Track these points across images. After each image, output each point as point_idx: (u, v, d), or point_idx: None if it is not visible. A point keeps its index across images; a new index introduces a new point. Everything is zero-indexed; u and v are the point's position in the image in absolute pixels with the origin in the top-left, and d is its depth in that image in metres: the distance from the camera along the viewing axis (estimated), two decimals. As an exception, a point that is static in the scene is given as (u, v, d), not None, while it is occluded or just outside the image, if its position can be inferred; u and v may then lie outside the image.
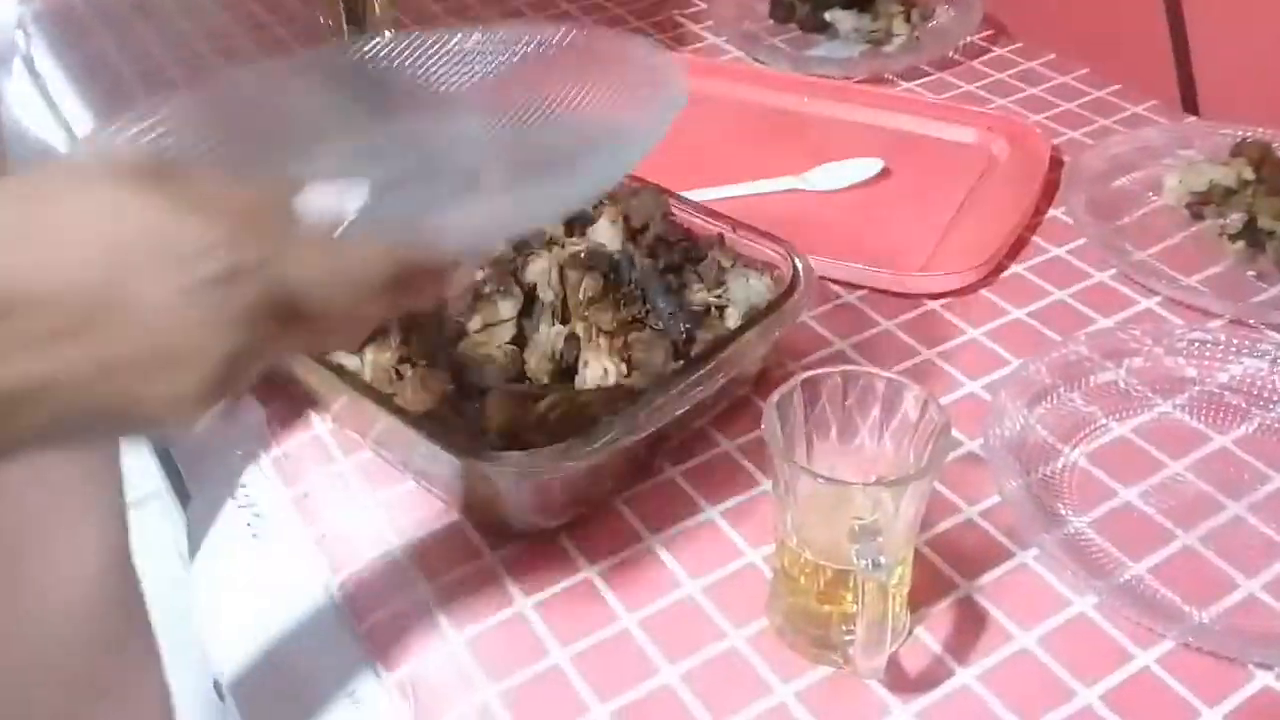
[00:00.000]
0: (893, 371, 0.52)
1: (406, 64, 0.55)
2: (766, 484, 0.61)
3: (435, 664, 0.54)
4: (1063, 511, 0.60)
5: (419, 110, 0.55)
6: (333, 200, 0.38)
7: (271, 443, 0.66)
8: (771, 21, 1.08)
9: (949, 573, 0.56)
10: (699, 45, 1.06)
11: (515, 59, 0.55)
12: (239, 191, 0.36)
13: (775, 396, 0.49)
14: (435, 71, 0.55)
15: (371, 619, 0.56)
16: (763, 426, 0.49)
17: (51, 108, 1.03)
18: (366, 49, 0.56)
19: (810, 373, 0.51)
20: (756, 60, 1.02)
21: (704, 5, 1.12)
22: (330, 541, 0.60)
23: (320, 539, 0.60)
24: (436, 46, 0.56)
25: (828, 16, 1.06)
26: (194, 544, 0.66)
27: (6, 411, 0.33)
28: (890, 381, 0.51)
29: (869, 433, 0.52)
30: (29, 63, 1.10)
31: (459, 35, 0.56)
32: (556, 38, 0.54)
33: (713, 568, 0.57)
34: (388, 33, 0.62)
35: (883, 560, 0.45)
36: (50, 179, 0.35)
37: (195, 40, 1.08)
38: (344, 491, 0.63)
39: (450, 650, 0.54)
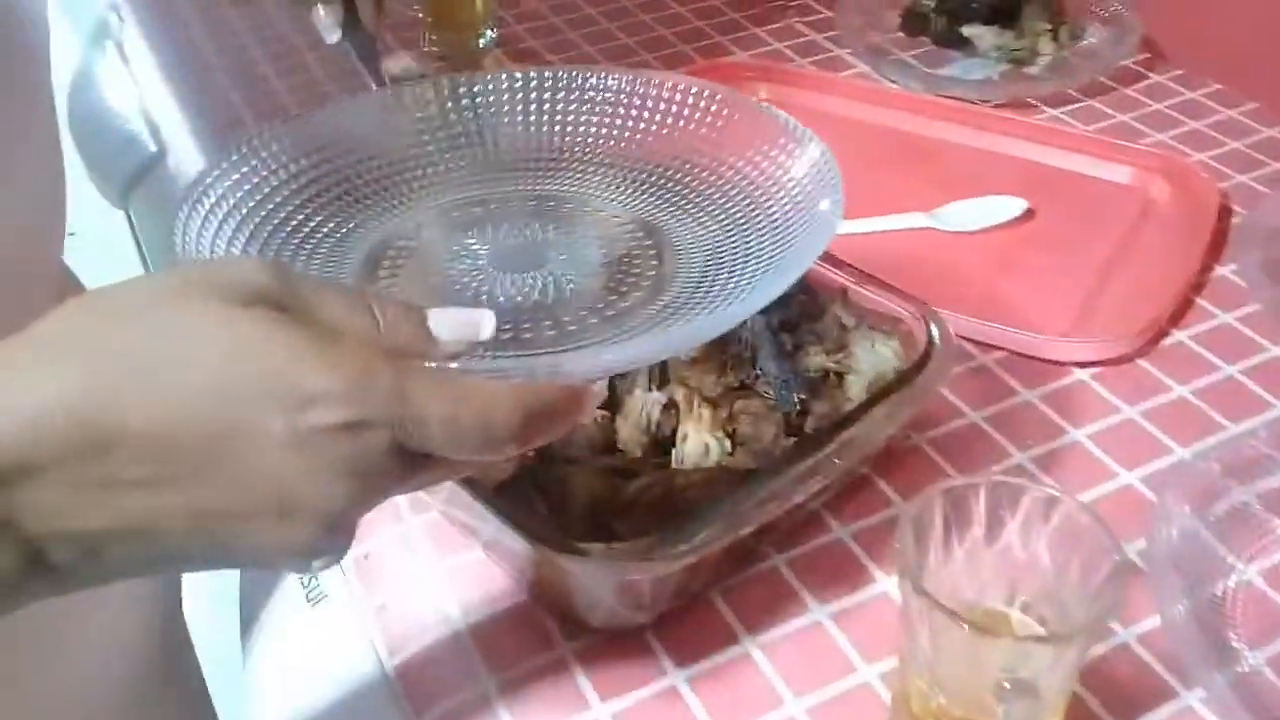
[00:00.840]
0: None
1: (519, 106, 0.51)
2: (883, 581, 0.54)
3: (496, 776, 0.47)
4: (1235, 643, 0.51)
5: (538, 168, 0.51)
6: (461, 327, 0.35)
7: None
8: (902, 35, 0.99)
9: (1099, 712, 0.48)
10: (821, 57, 0.98)
11: (641, 111, 0.50)
12: (362, 323, 0.33)
13: (911, 510, 0.41)
14: (554, 117, 0.51)
15: (430, 712, 0.50)
16: (896, 545, 0.41)
17: (139, 94, 0.99)
18: (477, 85, 0.52)
19: (952, 484, 0.43)
20: (884, 78, 0.93)
21: (829, 13, 1.03)
22: (390, 613, 0.54)
23: (380, 609, 0.54)
24: (550, 87, 0.51)
25: (965, 31, 0.96)
26: (246, 601, 0.60)
27: (93, 548, 0.30)
28: (1056, 500, 0.42)
29: (1019, 537, 0.44)
30: (119, 47, 1.06)
31: (579, 76, 0.52)
32: (692, 98, 0.50)
33: (819, 683, 0.50)
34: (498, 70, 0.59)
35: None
36: (170, 298, 0.32)
37: (288, 33, 1.03)
38: (409, 555, 0.56)
39: (514, 761, 0.47)
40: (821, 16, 1.03)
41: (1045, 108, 0.89)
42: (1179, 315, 0.69)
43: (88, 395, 0.29)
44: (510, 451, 0.34)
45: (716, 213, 0.50)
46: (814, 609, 0.53)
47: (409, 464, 0.33)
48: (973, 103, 0.89)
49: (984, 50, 0.95)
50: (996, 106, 0.89)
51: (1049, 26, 0.95)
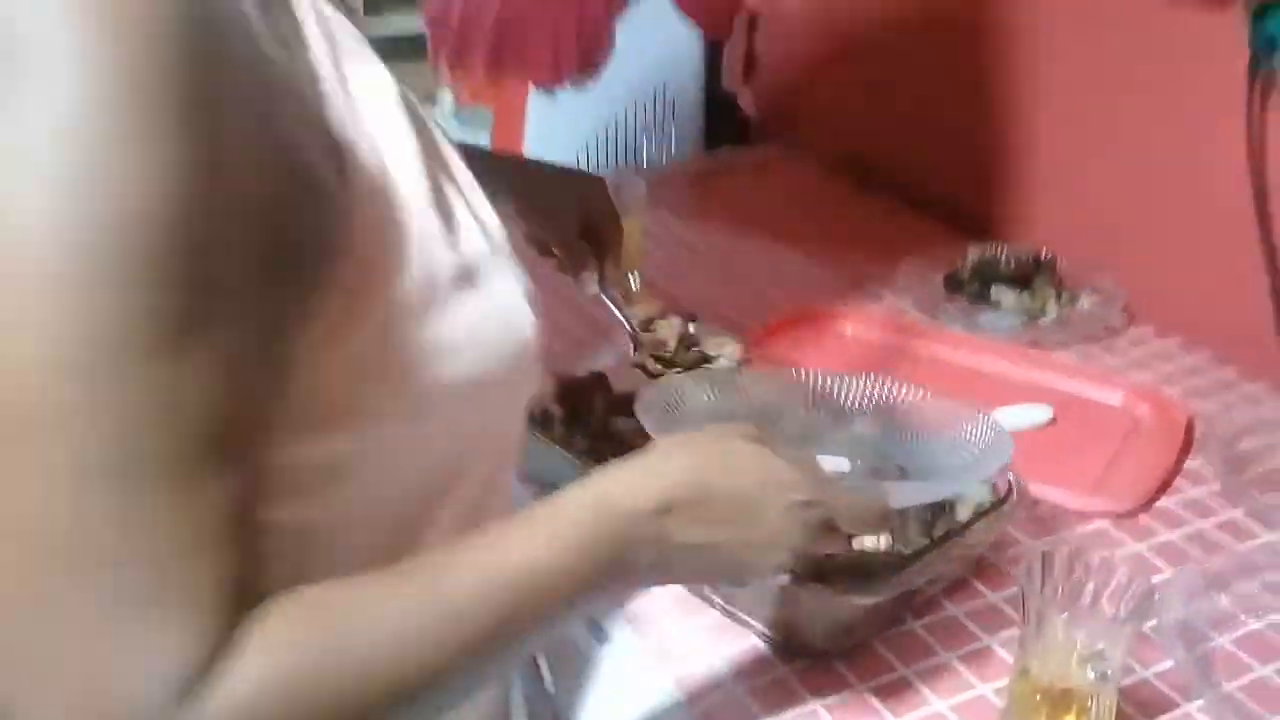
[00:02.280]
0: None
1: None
2: (984, 639, 0.81)
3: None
4: (1215, 677, 0.79)
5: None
6: (834, 465, 0.70)
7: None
8: (944, 292, 1.34)
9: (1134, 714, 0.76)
10: (884, 303, 1.32)
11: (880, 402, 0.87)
12: (797, 455, 0.65)
13: (1026, 559, 0.71)
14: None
15: (699, 705, 0.76)
16: (1019, 585, 0.70)
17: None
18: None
19: (1046, 547, 0.72)
20: (935, 320, 1.27)
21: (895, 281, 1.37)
22: (670, 655, 0.81)
23: (658, 651, 0.81)
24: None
25: (992, 293, 1.31)
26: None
27: (683, 557, 0.58)
28: (1105, 559, 0.72)
29: (1090, 594, 0.73)
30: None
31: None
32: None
33: (953, 694, 0.77)
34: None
35: (1108, 672, 0.65)
36: (723, 434, 0.64)
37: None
38: (664, 612, 0.84)
39: None
40: (887, 274, 1.38)
41: (1056, 350, 1.23)
42: (1165, 488, 1.00)
43: (696, 472, 0.59)
44: (872, 531, 0.66)
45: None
46: (941, 654, 0.80)
47: (828, 529, 0.63)
48: (1004, 341, 1.22)
49: (1007, 306, 1.30)
50: (1020, 346, 1.22)
51: (1054, 291, 1.31)
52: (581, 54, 1.66)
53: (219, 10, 0.43)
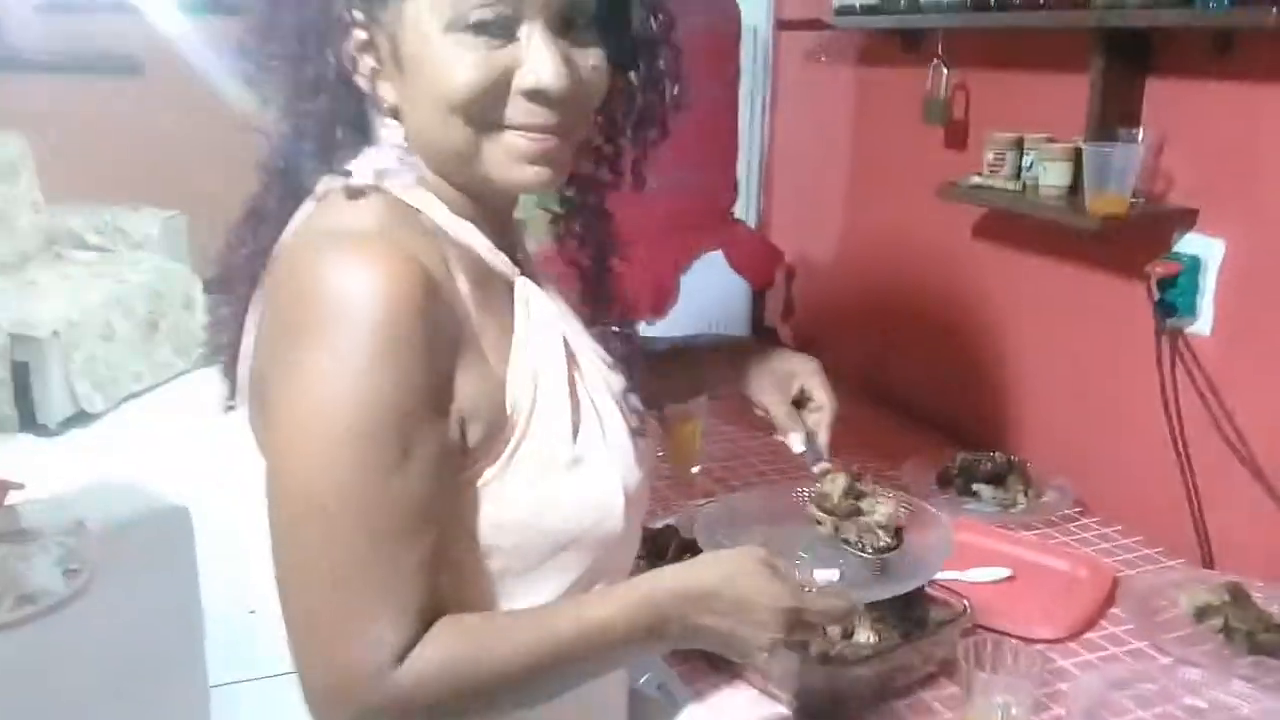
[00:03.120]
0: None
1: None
2: (944, 713, 1.15)
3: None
4: (1110, 746, 1.12)
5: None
6: (825, 576, 1.03)
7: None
8: (938, 485, 1.72)
9: (1047, 761, 1.09)
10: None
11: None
12: (792, 578, 0.96)
13: (965, 646, 1.06)
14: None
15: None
16: (962, 663, 1.05)
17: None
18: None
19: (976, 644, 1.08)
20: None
21: (900, 477, 1.76)
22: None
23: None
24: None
25: (974, 487, 1.69)
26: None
27: (692, 637, 0.91)
28: (1013, 647, 1.07)
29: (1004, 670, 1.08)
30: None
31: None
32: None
33: (921, 743, 1.11)
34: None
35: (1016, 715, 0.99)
36: (738, 555, 0.93)
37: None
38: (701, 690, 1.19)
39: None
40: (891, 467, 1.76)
41: (1024, 531, 1.59)
42: (1093, 623, 1.34)
43: (716, 578, 0.89)
44: (839, 623, 1.04)
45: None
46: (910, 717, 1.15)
47: (804, 625, 0.92)
48: (983, 523, 1.59)
49: (986, 498, 1.67)
50: (993, 526, 1.59)
51: (1023, 487, 1.68)
52: (653, 303, 2.13)
53: (438, 324, 0.82)
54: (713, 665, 1.22)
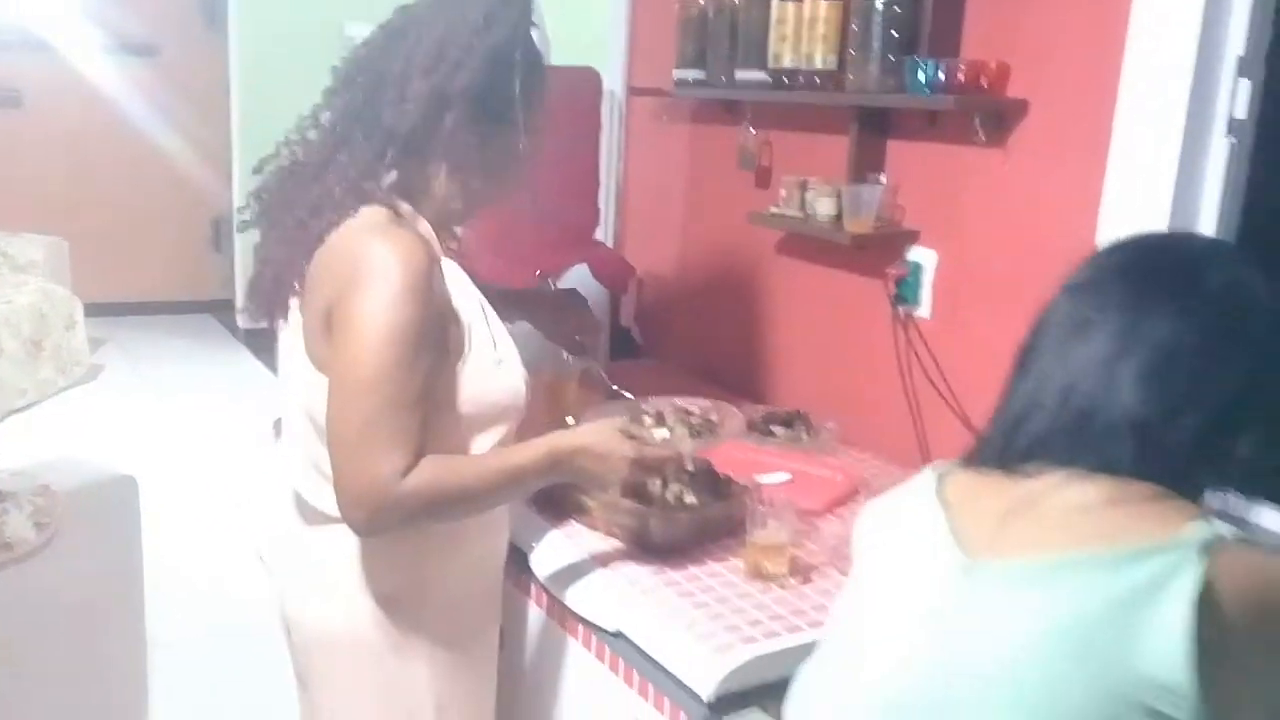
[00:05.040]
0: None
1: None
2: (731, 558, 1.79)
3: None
4: (842, 564, 1.77)
5: None
6: (658, 435, 1.69)
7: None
8: (748, 429, 2.36)
9: (799, 568, 1.74)
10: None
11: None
12: (640, 433, 1.64)
13: (751, 491, 1.70)
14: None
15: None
16: (748, 504, 1.69)
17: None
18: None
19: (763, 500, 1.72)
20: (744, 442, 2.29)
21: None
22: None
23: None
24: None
25: (772, 429, 2.34)
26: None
27: (573, 475, 1.55)
28: (783, 498, 1.72)
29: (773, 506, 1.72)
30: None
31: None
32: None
33: (722, 558, 1.73)
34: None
35: (786, 536, 1.64)
36: (606, 424, 1.61)
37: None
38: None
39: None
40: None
41: (802, 454, 2.25)
42: (844, 503, 2.00)
43: (590, 437, 1.54)
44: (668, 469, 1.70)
45: None
46: (713, 549, 1.77)
47: (645, 468, 1.60)
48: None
49: (779, 437, 2.32)
50: (785, 453, 2.24)
51: (804, 429, 2.34)
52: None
53: (433, 285, 1.43)
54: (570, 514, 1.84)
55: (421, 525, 1.46)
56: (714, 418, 1.85)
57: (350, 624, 1.51)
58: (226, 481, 3.82)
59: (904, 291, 2.27)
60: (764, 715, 1.42)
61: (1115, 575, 0.91)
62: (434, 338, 1.42)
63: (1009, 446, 1.06)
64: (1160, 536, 0.93)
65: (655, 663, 1.59)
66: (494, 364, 1.52)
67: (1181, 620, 0.87)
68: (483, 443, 1.51)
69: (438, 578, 1.55)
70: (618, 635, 1.65)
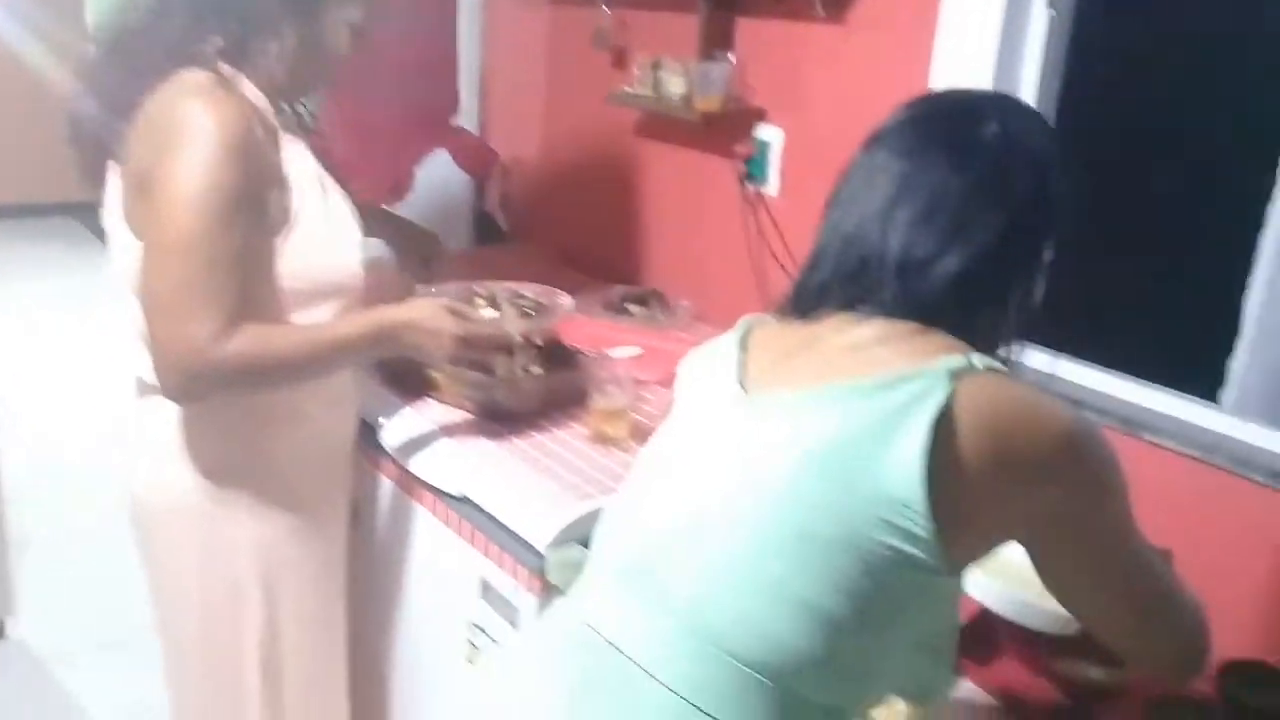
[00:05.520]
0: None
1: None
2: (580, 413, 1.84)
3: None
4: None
5: None
6: (487, 314, 1.73)
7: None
8: (604, 308, 2.41)
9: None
10: (578, 314, 2.38)
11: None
12: (468, 317, 1.65)
13: (590, 361, 1.74)
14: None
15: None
16: (590, 374, 1.73)
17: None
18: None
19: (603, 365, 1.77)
20: (601, 319, 2.33)
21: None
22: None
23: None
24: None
25: (628, 308, 2.39)
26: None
27: (400, 349, 1.57)
28: (617, 369, 1.77)
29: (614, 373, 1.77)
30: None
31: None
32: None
33: (564, 425, 1.79)
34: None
35: (625, 402, 1.69)
36: (435, 301, 1.62)
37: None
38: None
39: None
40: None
41: (656, 331, 2.30)
42: (686, 374, 2.07)
43: (420, 312, 1.56)
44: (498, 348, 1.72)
45: None
46: (557, 415, 1.82)
47: (473, 345, 1.61)
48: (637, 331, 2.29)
49: (635, 315, 2.37)
50: (640, 330, 2.29)
51: (659, 307, 2.39)
52: (394, 188, 2.72)
53: (255, 149, 1.42)
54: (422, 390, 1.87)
55: (241, 393, 1.48)
56: (545, 302, 1.90)
57: (175, 491, 1.53)
58: (94, 394, 3.75)
59: (753, 170, 2.31)
60: (582, 548, 1.47)
61: (870, 400, 0.97)
62: (253, 203, 1.42)
63: (801, 294, 1.12)
64: (916, 366, 0.98)
65: (498, 523, 1.64)
66: (324, 239, 1.52)
67: (920, 438, 0.93)
68: (309, 319, 1.52)
69: (272, 449, 1.57)
70: (463, 499, 1.70)
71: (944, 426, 0.94)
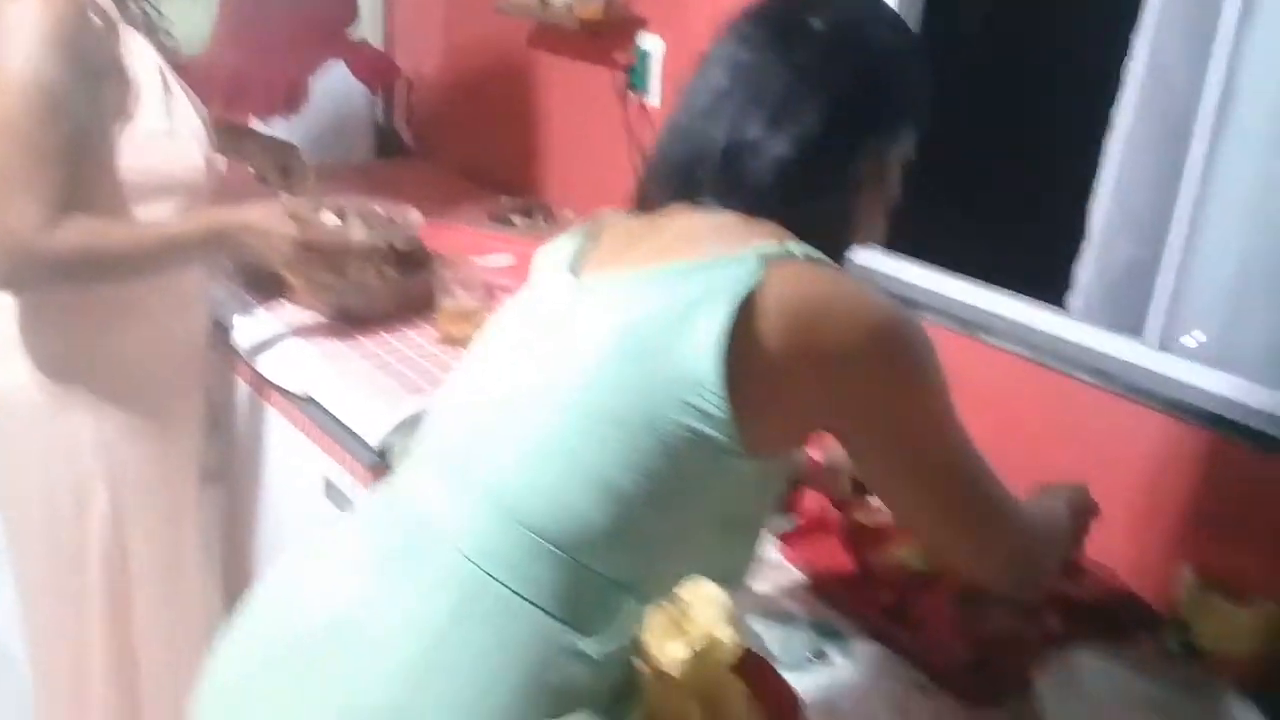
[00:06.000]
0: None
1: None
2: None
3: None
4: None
5: None
6: (327, 219, 1.72)
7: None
8: (493, 220, 2.40)
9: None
10: (470, 224, 2.37)
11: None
12: (310, 218, 1.66)
13: (451, 273, 1.75)
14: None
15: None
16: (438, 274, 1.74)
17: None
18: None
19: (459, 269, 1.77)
20: (490, 229, 2.33)
21: (479, 214, 2.43)
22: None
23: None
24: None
25: (512, 218, 2.39)
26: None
27: (238, 252, 1.60)
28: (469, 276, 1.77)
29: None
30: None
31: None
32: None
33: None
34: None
35: (462, 297, 1.69)
36: (277, 206, 1.62)
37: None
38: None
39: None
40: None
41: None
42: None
43: (258, 216, 1.56)
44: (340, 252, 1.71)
45: None
46: (418, 319, 1.83)
47: (312, 250, 1.62)
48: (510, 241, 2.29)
49: (518, 225, 2.37)
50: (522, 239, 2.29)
51: (542, 217, 2.39)
52: (287, 100, 2.69)
53: (89, 39, 1.41)
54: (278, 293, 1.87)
55: (71, 285, 1.47)
56: (396, 218, 1.91)
57: (12, 386, 1.53)
58: None
59: (635, 80, 2.30)
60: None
61: (684, 281, 0.97)
62: (84, 93, 1.41)
63: (645, 188, 1.12)
64: (733, 250, 0.97)
65: (339, 421, 1.65)
66: (163, 134, 1.51)
67: (720, 319, 0.93)
68: (148, 215, 1.52)
69: (115, 346, 1.57)
70: (308, 399, 1.71)
71: (747, 309, 0.94)
